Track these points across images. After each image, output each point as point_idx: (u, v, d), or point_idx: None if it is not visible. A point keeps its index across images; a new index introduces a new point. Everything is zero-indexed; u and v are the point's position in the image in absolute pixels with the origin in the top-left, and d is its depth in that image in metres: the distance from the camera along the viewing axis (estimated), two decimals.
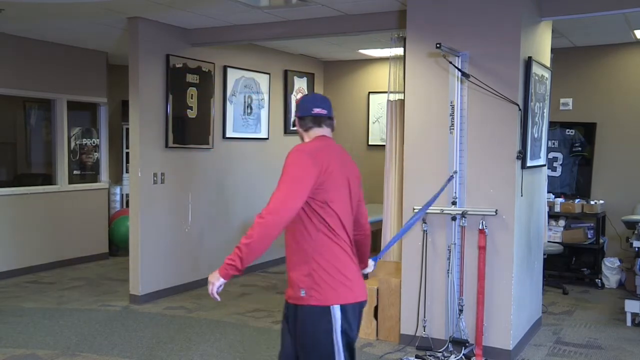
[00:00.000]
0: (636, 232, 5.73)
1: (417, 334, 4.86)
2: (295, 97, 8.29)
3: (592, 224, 7.13)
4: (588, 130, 7.47)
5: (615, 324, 5.64)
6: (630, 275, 6.77)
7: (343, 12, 5.67)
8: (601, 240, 7.18)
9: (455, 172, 4.68)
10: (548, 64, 5.36)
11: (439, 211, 4.72)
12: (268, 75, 7.80)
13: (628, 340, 5.18)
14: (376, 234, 5.19)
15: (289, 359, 2.76)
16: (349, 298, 2.64)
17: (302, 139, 2.84)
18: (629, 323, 5.59)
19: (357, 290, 2.68)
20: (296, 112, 2.88)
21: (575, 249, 7.22)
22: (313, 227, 2.63)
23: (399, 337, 4.97)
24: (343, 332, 2.61)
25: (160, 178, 6.33)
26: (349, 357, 2.66)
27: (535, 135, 4.98)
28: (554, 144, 7.47)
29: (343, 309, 2.61)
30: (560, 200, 7.21)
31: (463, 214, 4.66)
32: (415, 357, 4.61)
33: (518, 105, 4.55)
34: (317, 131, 2.80)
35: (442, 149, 4.77)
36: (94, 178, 8.33)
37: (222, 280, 2.53)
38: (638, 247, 5.75)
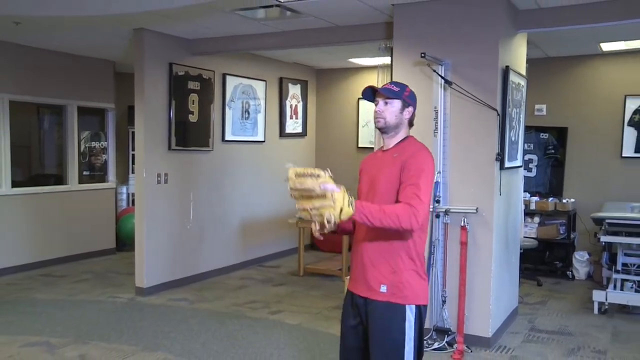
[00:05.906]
0: (603, 227, 5.76)
1: None
2: (290, 103, 8.27)
3: (564, 221, 7.16)
4: (560, 134, 7.49)
5: (583, 312, 5.66)
6: (598, 268, 6.81)
7: (334, 24, 5.65)
8: (572, 236, 7.21)
9: (439, 172, 4.68)
10: (524, 73, 5.37)
11: None
12: (264, 82, 7.77)
13: (595, 327, 5.21)
14: None
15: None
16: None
17: (396, 127, 2.63)
18: (595, 311, 5.62)
19: None
20: (411, 100, 2.65)
21: (549, 244, 7.24)
22: None
23: None
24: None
25: (163, 178, 6.29)
26: None
27: (513, 139, 4.99)
28: (529, 146, 7.48)
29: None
30: (535, 198, 7.23)
31: (446, 212, 4.66)
32: None
33: (497, 110, 4.56)
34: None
35: None
36: (102, 178, 8.28)
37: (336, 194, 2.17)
38: (605, 242, 5.78)
